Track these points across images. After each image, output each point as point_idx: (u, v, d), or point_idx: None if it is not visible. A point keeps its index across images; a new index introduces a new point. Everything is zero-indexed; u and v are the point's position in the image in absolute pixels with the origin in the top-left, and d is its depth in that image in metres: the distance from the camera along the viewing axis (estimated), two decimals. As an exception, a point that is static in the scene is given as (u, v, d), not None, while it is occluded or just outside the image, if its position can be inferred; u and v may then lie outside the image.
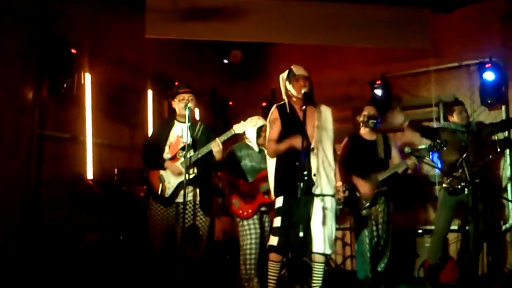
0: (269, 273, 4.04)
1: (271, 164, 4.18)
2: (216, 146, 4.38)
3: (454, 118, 5.42)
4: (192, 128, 4.48)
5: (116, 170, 5.59)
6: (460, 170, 5.06)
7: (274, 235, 3.98)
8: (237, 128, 4.48)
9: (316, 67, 7.14)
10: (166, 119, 5.00)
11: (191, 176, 4.36)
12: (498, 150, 5.42)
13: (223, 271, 5.56)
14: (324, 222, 3.88)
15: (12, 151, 5.04)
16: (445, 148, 4.99)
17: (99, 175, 5.72)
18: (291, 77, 4.14)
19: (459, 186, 5.09)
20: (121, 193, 5.46)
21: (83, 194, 5.48)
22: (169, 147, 4.52)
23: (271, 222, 4.68)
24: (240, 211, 5.04)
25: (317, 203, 3.94)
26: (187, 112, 4.32)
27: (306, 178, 3.68)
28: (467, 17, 6.42)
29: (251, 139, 5.15)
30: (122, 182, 5.54)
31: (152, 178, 4.52)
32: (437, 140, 4.98)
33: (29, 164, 5.16)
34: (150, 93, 6.60)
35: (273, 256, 4.02)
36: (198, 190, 4.46)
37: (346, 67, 7.16)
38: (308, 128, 3.92)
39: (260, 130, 5.13)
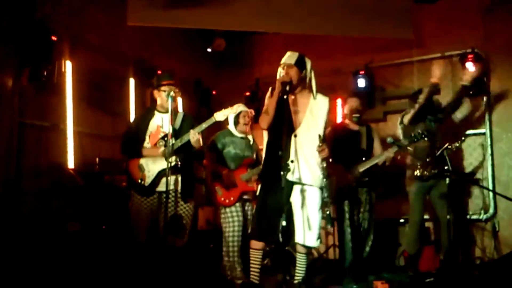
0: (251, 260, 4.02)
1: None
2: (193, 136, 4.34)
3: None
4: (173, 117, 4.45)
5: (97, 159, 5.54)
6: (429, 158, 5.14)
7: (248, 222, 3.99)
8: (218, 116, 4.45)
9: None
10: (146, 109, 4.94)
11: (172, 164, 4.32)
12: (463, 138, 5.49)
13: (206, 260, 5.56)
14: (304, 212, 3.81)
15: (-9, 140, 4.95)
16: (426, 139, 5.02)
17: (81, 164, 5.65)
18: (280, 64, 4.09)
19: (429, 173, 5.17)
20: (103, 182, 5.41)
21: (65, 184, 5.41)
22: (149, 136, 4.50)
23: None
24: (222, 199, 5.08)
25: (296, 192, 3.87)
26: (169, 101, 4.27)
27: (284, 165, 3.62)
28: (450, 8, 6.46)
29: (230, 126, 5.16)
30: (103, 171, 5.49)
31: (132, 168, 4.49)
32: (418, 131, 5.01)
33: (9, 153, 5.07)
34: (132, 81, 6.53)
35: (253, 243, 3.99)
36: (179, 178, 4.43)
37: (330, 57, 7.16)
38: (294, 115, 3.91)
39: (237, 118, 5.13)
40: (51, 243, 4.62)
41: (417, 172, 5.27)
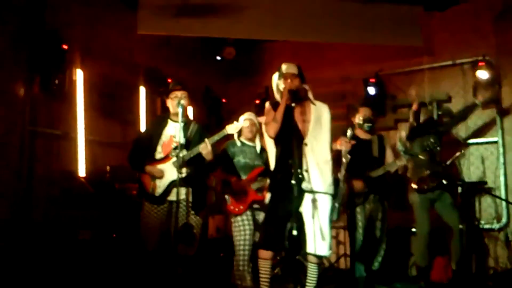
0: (260, 271, 3.96)
1: (272, 161, 4.15)
2: (204, 148, 4.32)
3: (421, 118, 5.48)
4: (185, 128, 4.44)
5: (108, 167, 5.55)
6: (427, 171, 5.13)
7: (258, 230, 3.96)
8: (230, 129, 4.44)
9: (310, 64, 7.10)
10: (159, 117, 4.92)
11: (183, 176, 4.30)
12: (462, 151, 5.49)
13: (217, 268, 5.54)
14: (316, 222, 3.77)
15: (3, 148, 4.97)
16: (438, 149, 5.03)
17: (91, 173, 5.65)
18: (280, 75, 4.11)
19: (428, 187, 5.16)
20: (114, 190, 5.42)
21: (75, 192, 5.41)
22: (162, 146, 4.48)
23: None
24: (232, 207, 5.05)
25: (307, 201, 3.83)
26: (179, 110, 4.26)
27: (295, 177, 3.63)
28: (461, 15, 6.44)
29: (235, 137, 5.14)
30: (114, 179, 5.50)
31: (144, 177, 4.48)
32: (431, 140, 4.99)
33: (21, 161, 5.10)
34: (142, 89, 6.55)
35: (261, 253, 3.94)
36: (190, 190, 4.39)
37: (340, 65, 7.16)
38: (301, 124, 3.93)
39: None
40: (61, 251, 4.62)
41: (413, 185, 5.26)
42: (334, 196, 3.88)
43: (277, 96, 4.12)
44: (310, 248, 3.80)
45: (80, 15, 5.75)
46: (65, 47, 5.35)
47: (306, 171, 3.81)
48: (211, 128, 5.93)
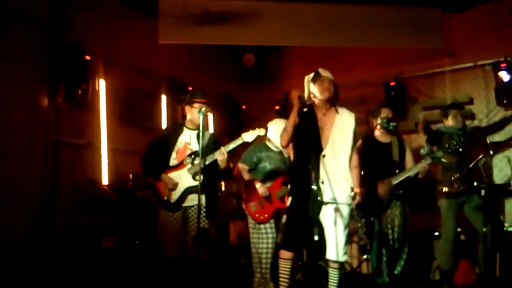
0: (280, 270, 3.99)
1: None
2: (220, 155, 4.35)
3: (449, 121, 5.40)
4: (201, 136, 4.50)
5: (131, 175, 5.63)
6: (457, 174, 5.06)
7: (281, 232, 4.00)
8: (246, 137, 4.44)
9: (329, 69, 7.08)
10: (175, 125, 4.99)
11: (196, 183, 4.34)
12: (491, 152, 5.40)
13: (238, 275, 5.55)
14: (335, 230, 3.83)
15: (28, 157, 5.09)
16: (460, 150, 4.96)
17: (114, 180, 5.75)
18: (316, 78, 4.08)
19: (458, 189, 5.09)
20: (136, 198, 5.48)
21: (99, 199, 5.51)
22: (177, 153, 4.52)
23: None
24: (257, 215, 5.01)
25: (328, 210, 3.86)
26: (201, 117, 4.29)
27: (313, 185, 3.65)
28: (481, 16, 6.36)
29: (274, 140, 5.10)
30: (137, 187, 5.56)
31: (159, 184, 4.52)
32: (453, 142, 4.94)
33: (45, 170, 5.21)
34: (164, 98, 6.63)
35: (283, 253, 3.97)
36: (203, 197, 4.35)
37: (359, 69, 7.13)
38: (324, 133, 3.93)
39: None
40: (85, 258, 4.70)
41: (445, 189, 5.18)
42: (350, 205, 3.93)
43: (307, 94, 4.09)
44: (332, 255, 3.85)
45: (102, 26, 5.87)
46: (87, 57, 5.47)
47: (322, 182, 3.81)
48: (231, 134, 5.96)
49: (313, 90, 4.05)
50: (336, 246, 3.83)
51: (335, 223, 3.84)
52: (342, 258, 3.89)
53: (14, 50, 5.02)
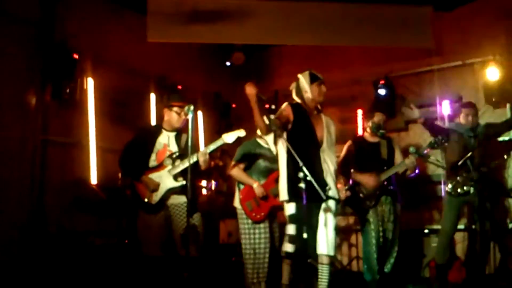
0: (283, 272, 4.19)
1: (282, 165, 4.15)
2: (202, 156, 4.34)
3: (461, 119, 5.37)
4: (178, 137, 4.50)
5: (120, 174, 5.59)
6: (464, 174, 5.05)
7: (290, 242, 3.99)
8: (226, 138, 4.44)
9: (319, 67, 7.04)
10: (152, 127, 5.03)
11: (178, 184, 4.35)
12: (505, 157, 5.39)
13: (228, 273, 5.54)
14: (326, 224, 3.93)
15: (16, 157, 5.05)
16: (446, 144, 4.97)
17: (103, 180, 5.71)
18: (314, 80, 4.15)
19: (461, 191, 5.08)
20: (126, 197, 5.45)
21: (88, 199, 5.48)
22: (156, 154, 4.51)
23: (279, 227, 4.72)
24: (253, 214, 4.94)
25: (325, 207, 4.00)
26: (190, 115, 4.24)
27: (319, 182, 3.74)
28: (470, 15, 6.39)
29: (268, 138, 5.06)
30: (126, 186, 5.52)
31: (139, 185, 4.47)
32: (438, 137, 4.96)
33: (33, 169, 5.17)
34: (153, 96, 6.60)
35: (287, 260, 4.14)
36: (183, 197, 4.32)
37: (349, 68, 7.14)
38: (317, 133, 4.07)
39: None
40: (74, 257, 4.67)
41: (449, 188, 5.18)
42: (338, 201, 4.07)
43: (296, 97, 4.21)
44: (323, 249, 3.93)
45: (91, 25, 5.83)
46: (76, 56, 5.43)
47: (323, 179, 3.96)
48: (221, 133, 5.90)
49: (308, 90, 4.12)
50: (327, 240, 3.92)
51: (326, 218, 3.95)
52: (333, 252, 3.99)
53: (3, 48, 4.96)
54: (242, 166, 5.05)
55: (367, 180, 5.02)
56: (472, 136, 5.23)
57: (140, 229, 4.51)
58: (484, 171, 4.99)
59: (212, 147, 4.43)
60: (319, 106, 4.18)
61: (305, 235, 3.63)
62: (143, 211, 4.48)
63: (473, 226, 5.29)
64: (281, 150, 4.15)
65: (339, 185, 4.19)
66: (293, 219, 4.02)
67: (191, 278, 4.35)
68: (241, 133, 4.48)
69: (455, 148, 5.19)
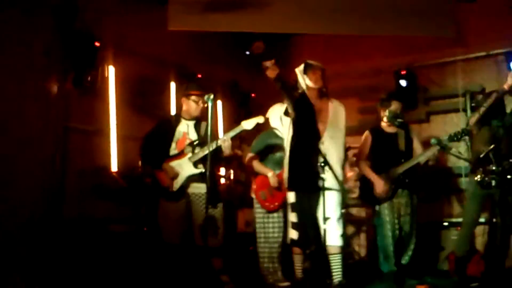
0: (295, 263, 4.33)
1: (286, 154, 4.22)
2: (225, 141, 4.38)
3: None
4: (197, 126, 4.56)
5: (140, 162, 5.63)
6: (487, 166, 4.96)
7: (294, 229, 4.06)
8: (246, 124, 4.48)
9: (339, 57, 7.12)
10: (171, 116, 5.09)
11: (198, 171, 4.39)
12: None
13: (246, 262, 5.57)
14: (334, 215, 4.00)
15: (38, 144, 5.10)
16: (466, 137, 4.88)
17: (124, 167, 5.75)
18: (308, 68, 4.17)
19: (485, 183, 4.98)
20: (145, 184, 5.50)
21: (108, 186, 5.53)
22: (176, 143, 4.57)
23: None
24: (267, 204, 5.00)
25: (327, 197, 4.01)
26: (209, 104, 4.27)
27: (315, 173, 3.85)
28: (494, 4, 6.26)
29: (277, 127, 5.07)
30: (146, 174, 5.57)
31: (160, 173, 4.55)
32: (459, 130, 4.90)
33: (54, 157, 5.23)
34: (173, 85, 6.62)
35: (295, 249, 4.26)
36: (204, 185, 4.37)
37: (370, 57, 7.08)
38: (319, 122, 4.01)
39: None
40: (94, 245, 4.73)
41: (477, 178, 5.06)
42: (344, 191, 4.16)
43: (302, 85, 4.26)
44: (331, 240, 4.02)
45: (112, 13, 5.84)
46: (97, 44, 5.45)
47: (323, 166, 3.98)
48: (240, 122, 5.91)
49: (306, 81, 4.19)
50: (330, 231, 3.97)
51: (331, 209, 4.00)
52: (339, 242, 4.08)
53: (25, 36, 5.01)
54: (257, 156, 5.09)
55: (377, 184, 4.98)
56: (500, 125, 5.14)
57: (160, 217, 4.58)
58: (506, 164, 4.90)
59: (232, 133, 4.48)
60: (323, 90, 4.15)
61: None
62: (163, 199, 4.55)
63: (494, 220, 5.19)
64: (286, 138, 4.24)
65: (349, 174, 4.21)
66: (293, 207, 4.12)
67: (209, 267, 4.41)
68: (260, 119, 4.51)
69: (482, 138, 5.10)
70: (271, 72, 3.85)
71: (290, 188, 4.15)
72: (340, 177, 4.05)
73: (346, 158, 4.35)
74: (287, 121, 4.47)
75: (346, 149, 4.67)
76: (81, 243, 4.69)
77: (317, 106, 4.14)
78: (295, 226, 4.12)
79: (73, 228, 4.84)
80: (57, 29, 5.28)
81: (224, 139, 4.40)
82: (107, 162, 5.69)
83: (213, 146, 4.36)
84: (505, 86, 4.91)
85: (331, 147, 4.03)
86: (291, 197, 4.18)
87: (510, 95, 5.38)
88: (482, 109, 5.01)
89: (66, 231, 4.77)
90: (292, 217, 4.15)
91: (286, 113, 4.51)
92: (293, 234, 4.15)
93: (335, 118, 4.16)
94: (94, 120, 5.67)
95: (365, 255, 6.51)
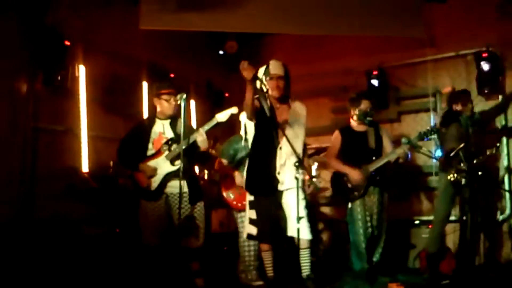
0: (264, 261, 4.33)
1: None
2: (200, 136, 4.38)
3: (459, 107, 5.38)
4: (173, 124, 4.55)
5: (111, 162, 5.57)
6: (462, 163, 5.06)
7: (252, 224, 4.14)
8: (220, 116, 4.49)
9: (312, 57, 7.16)
10: (146, 119, 5.06)
11: (175, 168, 4.38)
12: (498, 144, 5.43)
13: (221, 262, 5.56)
14: (295, 212, 3.92)
15: (7, 144, 5.01)
16: (435, 136, 4.96)
17: (95, 168, 5.68)
18: (266, 74, 4.20)
19: (462, 179, 5.07)
20: (117, 185, 5.44)
21: (79, 187, 5.45)
22: (153, 143, 4.56)
23: None
24: (235, 203, 5.10)
25: (286, 197, 4.14)
26: (182, 103, 4.27)
27: (272, 176, 4.02)
28: (463, 5, 6.38)
29: (242, 133, 5.11)
30: (117, 174, 5.52)
31: (137, 174, 4.56)
32: (428, 128, 4.98)
33: (24, 157, 5.13)
34: (145, 84, 6.55)
35: (262, 246, 4.30)
36: (184, 183, 4.39)
37: (342, 58, 7.12)
38: (279, 125, 4.08)
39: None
40: (65, 246, 4.66)
41: (451, 177, 5.14)
42: (303, 189, 4.14)
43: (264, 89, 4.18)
44: (293, 232, 4.00)
45: (83, 11, 5.75)
46: (67, 43, 5.37)
47: (279, 173, 4.10)
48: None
49: (267, 85, 4.18)
50: (298, 225, 3.89)
51: (292, 206, 4.04)
52: (310, 235, 4.12)
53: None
54: (226, 161, 5.15)
55: (352, 174, 5.04)
56: (470, 124, 5.24)
57: (141, 217, 4.55)
58: (476, 161, 5.01)
59: (207, 127, 4.48)
60: (282, 96, 4.22)
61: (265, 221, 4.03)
62: (143, 199, 4.52)
63: (464, 217, 5.29)
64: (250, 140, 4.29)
65: (306, 177, 4.29)
66: (251, 205, 4.26)
67: (185, 268, 4.40)
68: (234, 109, 4.52)
69: (452, 136, 5.19)
70: (248, 73, 3.83)
71: (247, 191, 4.22)
72: (300, 176, 3.96)
73: (304, 155, 4.38)
74: (251, 124, 4.48)
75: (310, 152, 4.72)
76: (53, 245, 4.61)
77: (278, 110, 4.18)
78: (253, 222, 4.19)
79: (44, 230, 4.75)
80: (26, 27, 5.17)
81: (199, 133, 4.39)
82: (78, 163, 5.61)
83: (188, 142, 4.35)
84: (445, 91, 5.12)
85: (288, 149, 4.02)
86: (249, 195, 4.25)
87: None
88: (439, 112, 5.16)
89: (38, 233, 4.69)
90: (251, 213, 4.22)
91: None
92: (251, 229, 4.24)
93: (294, 120, 4.19)
94: (64, 120, 5.58)
95: (336, 253, 6.55)
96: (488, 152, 5.14)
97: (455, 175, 5.02)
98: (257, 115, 4.13)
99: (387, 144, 5.27)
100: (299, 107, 4.29)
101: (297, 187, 3.86)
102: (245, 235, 4.39)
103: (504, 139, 6.09)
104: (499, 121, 6.12)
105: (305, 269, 4.15)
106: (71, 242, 4.74)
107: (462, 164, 4.90)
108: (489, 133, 5.82)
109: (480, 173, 4.88)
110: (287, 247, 4.41)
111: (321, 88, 7.01)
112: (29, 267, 4.43)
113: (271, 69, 4.18)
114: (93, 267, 4.65)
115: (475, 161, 4.97)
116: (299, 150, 4.12)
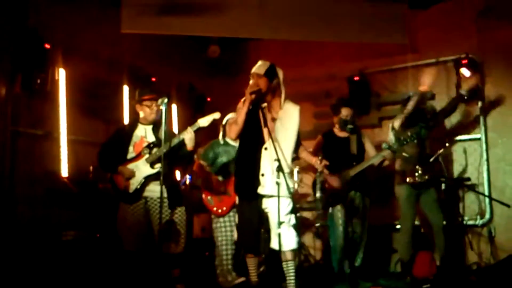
0: (248, 266, 4.21)
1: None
2: (188, 133, 4.36)
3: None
4: (155, 129, 4.55)
5: (91, 167, 5.51)
6: (419, 165, 5.13)
7: (236, 229, 4.11)
8: (201, 122, 4.48)
9: (296, 62, 7.17)
10: (128, 123, 5.05)
11: (155, 171, 4.35)
12: (447, 144, 5.53)
13: (202, 268, 5.53)
14: (277, 221, 3.79)
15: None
16: (415, 141, 5.02)
17: (75, 172, 5.61)
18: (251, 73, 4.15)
19: (419, 180, 5.14)
20: (97, 190, 5.38)
21: (59, 192, 5.38)
22: (134, 146, 4.53)
23: None
24: (215, 209, 5.08)
25: (270, 203, 3.92)
26: (163, 108, 4.25)
27: (253, 181, 3.83)
28: (444, 13, 6.47)
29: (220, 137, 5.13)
30: (97, 179, 5.46)
31: (116, 177, 4.53)
32: (408, 134, 5.01)
33: (2, 161, 5.05)
34: (126, 88, 6.49)
35: (249, 255, 4.17)
36: (164, 187, 4.29)
37: (325, 63, 7.16)
38: (264, 128, 3.90)
39: (225, 127, 5.08)
40: (45, 251, 4.60)
41: (409, 179, 5.22)
42: (291, 198, 3.92)
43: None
44: (275, 245, 3.85)
45: (63, 14, 5.69)
46: (47, 46, 5.30)
47: (263, 175, 3.88)
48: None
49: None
50: (281, 236, 3.78)
51: (275, 215, 3.82)
52: (295, 244, 3.91)
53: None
54: (205, 164, 5.13)
55: (330, 181, 5.04)
56: (423, 127, 5.29)
57: (119, 221, 4.50)
58: (432, 163, 5.10)
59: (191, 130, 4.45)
60: (262, 98, 4.02)
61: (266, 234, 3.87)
62: (122, 202, 4.48)
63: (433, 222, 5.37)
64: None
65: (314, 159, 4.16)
66: (237, 209, 4.18)
67: (167, 273, 4.36)
68: (216, 115, 4.51)
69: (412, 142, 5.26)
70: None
71: (236, 193, 4.13)
72: (289, 182, 3.85)
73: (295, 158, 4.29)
74: None
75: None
76: (32, 250, 4.54)
77: (264, 111, 4.08)
78: (236, 227, 4.14)
79: (24, 235, 4.69)
80: (5, 29, 5.10)
81: (187, 132, 4.37)
82: (57, 167, 5.52)
83: (170, 145, 4.32)
84: (423, 88, 5.13)
85: (274, 153, 3.80)
86: (237, 200, 4.18)
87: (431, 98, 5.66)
88: (405, 112, 5.20)
89: (17, 238, 4.61)
90: (237, 217, 4.18)
91: None
92: (235, 234, 4.23)
93: (284, 121, 4.02)
94: (44, 124, 5.50)
95: (320, 258, 6.55)
96: (439, 152, 5.21)
97: (413, 178, 5.11)
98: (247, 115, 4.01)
99: (370, 149, 5.31)
100: (291, 108, 4.09)
101: (278, 193, 3.73)
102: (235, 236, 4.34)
103: (484, 145, 6.16)
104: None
105: (290, 283, 3.94)
106: (50, 247, 4.68)
107: (417, 167, 4.99)
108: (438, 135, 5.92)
109: (432, 174, 4.96)
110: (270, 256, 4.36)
111: (304, 93, 7.02)
112: (9, 272, 4.35)
113: (253, 68, 4.14)
114: (73, 272, 4.59)
115: (430, 163, 5.05)
116: (287, 152, 3.95)
